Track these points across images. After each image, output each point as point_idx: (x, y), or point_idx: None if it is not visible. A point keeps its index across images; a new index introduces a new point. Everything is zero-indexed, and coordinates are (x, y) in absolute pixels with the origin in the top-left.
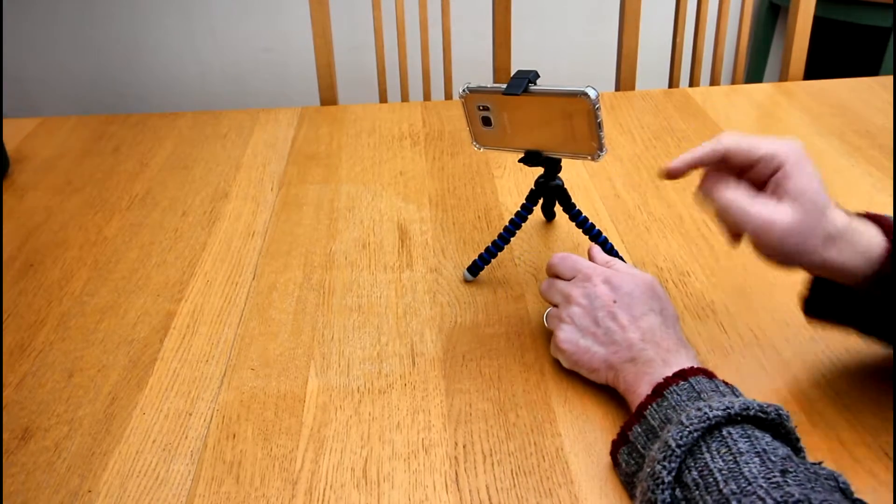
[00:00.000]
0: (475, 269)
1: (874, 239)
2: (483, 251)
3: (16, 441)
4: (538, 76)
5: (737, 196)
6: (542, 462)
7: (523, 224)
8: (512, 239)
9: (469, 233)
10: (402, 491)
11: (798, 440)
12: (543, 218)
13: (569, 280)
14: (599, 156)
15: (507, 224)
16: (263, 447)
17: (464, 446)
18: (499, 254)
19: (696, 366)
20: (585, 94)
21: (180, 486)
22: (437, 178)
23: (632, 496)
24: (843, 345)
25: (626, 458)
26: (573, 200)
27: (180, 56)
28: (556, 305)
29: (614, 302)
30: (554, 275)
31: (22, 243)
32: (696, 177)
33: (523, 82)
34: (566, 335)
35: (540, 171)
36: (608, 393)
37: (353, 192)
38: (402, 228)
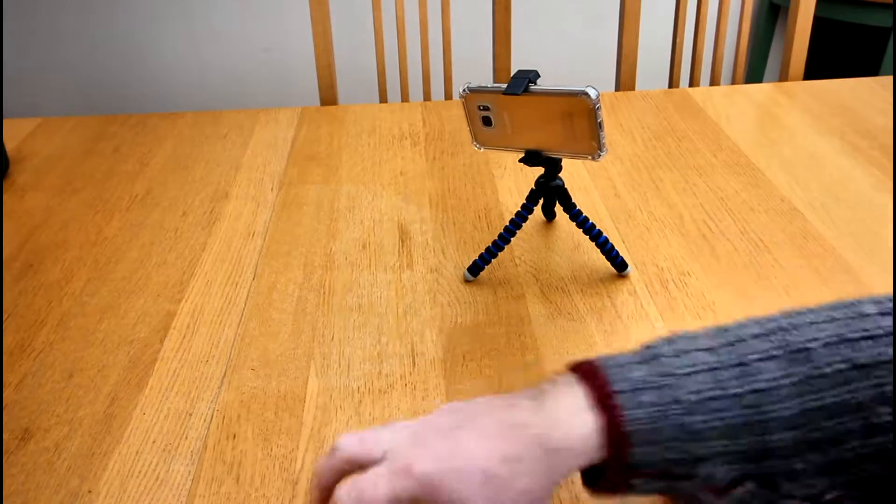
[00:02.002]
0: (475, 269)
1: (583, 424)
2: (483, 251)
3: (16, 441)
4: (538, 76)
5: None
6: None
7: (524, 224)
8: (512, 239)
9: (469, 233)
10: None
11: None
12: (544, 218)
13: None
14: (600, 156)
15: (508, 224)
16: (263, 447)
17: None
18: (499, 254)
19: None
20: (586, 94)
21: (180, 486)
22: (438, 178)
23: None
24: None
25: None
26: (573, 200)
27: (180, 56)
28: None
29: None
30: None
31: (22, 243)
32: (697, 178)
33: (523, 82)
34: None
35: (540, 171)
36: None
37: (353, 192)
38: (402, 228)
